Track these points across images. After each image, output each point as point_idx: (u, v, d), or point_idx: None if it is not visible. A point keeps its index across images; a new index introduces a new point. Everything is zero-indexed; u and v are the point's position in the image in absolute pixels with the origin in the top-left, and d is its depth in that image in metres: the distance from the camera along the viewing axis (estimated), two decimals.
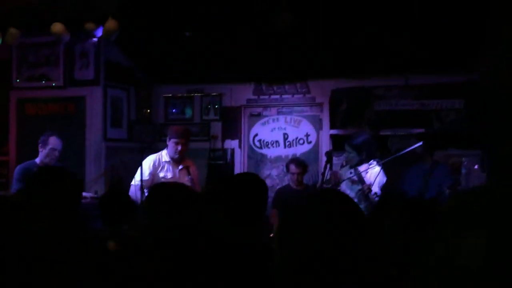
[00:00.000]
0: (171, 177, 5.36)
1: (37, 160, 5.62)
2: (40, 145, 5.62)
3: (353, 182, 5.22)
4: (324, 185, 5.17)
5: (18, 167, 5.75)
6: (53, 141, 5.61)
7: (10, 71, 7.03)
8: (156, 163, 5.45)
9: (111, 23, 5.17)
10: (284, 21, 4.81)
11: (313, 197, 1.69)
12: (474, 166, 5.50)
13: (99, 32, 5.36)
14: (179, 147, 5.37)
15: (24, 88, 7.03)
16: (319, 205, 1.59)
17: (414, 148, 5.44)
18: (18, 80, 7.03)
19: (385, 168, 5.33)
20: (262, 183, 2.76)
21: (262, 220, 2.71)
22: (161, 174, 5.42)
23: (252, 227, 2.55)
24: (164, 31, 5.69)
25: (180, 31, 5.55)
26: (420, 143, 5.45)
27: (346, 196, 1.72)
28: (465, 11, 5.29)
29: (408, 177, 5.72)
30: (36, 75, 6.97)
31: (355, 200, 5.09)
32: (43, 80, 6.97)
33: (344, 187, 5.23)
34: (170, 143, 5.41)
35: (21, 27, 5.77)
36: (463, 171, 5.56)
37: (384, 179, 5.27)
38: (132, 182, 5.45)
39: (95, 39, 6.40)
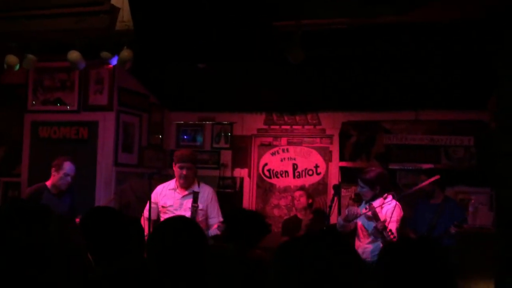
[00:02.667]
0: (170, 205, 5.24)
1: (48, 183, 5.67)
2: (53, 168, 5.65)
3: (368, 218, 5.15)
4: (343, 221, 5.13)
5: (28, 190, 5.82)
6: (68, 167, 5.64)
7: (26, 94, 7.16)
8: (159, 191, 5.36)
9: (126, 53, 5.27)
10: (297, 56, 4.88)
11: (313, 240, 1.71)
12: (481, 204, 5.49)
13: (114, 61, 5.46)
14: (184, 172, 5.21)
15: (39, 111, 7.14)
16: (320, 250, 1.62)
17: (426, 183, 5.43)
18: (33, 103, 7.14)
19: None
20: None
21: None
22: (161, 203, 5.30)
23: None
24: (178, 61, 5.78)
25: (194, 62, 5.63)
26: (437, 177, 5.41)
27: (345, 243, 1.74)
28: (478, 51, 5.34)
29: (419, 212, 5.71)
30: (51, 99, 7.09)
31: (371, 236, 5.09)
32: (58, 104, 7.08)
33: (361, 222, 5.18)
34: (175, 168, 5.28)
35: (38, 53, 5.88)
36: (470, 209, 5.55)
37: (401, 214, 5.16)
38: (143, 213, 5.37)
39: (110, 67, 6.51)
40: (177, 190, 5.29)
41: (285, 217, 7.06)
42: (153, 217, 5.23)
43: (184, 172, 5.21)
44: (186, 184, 5.26)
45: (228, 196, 7.38)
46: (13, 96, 7.25)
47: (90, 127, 6.98)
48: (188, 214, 5.07)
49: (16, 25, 5.33)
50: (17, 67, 5.74)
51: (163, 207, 5.28)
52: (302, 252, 1.61)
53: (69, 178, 5.66)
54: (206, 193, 5.33)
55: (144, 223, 5.12)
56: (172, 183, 5.37)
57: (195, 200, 5.14)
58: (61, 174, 5.62)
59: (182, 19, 4.78)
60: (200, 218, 5.14)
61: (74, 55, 5.41)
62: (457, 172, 6.49)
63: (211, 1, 4.57)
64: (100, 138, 6.95)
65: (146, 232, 4.35)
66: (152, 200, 5.27)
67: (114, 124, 6.95)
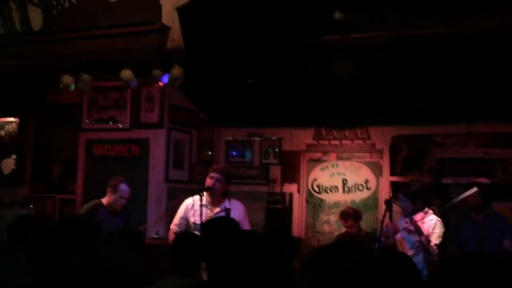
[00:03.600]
0: (200, 223, 4.85)
1: (104, 200, 5.78)
2: (109, 189, 5.76)
3: (409, 232, 5.08)
4: (382, 238, 5.07)
5: (84, 207, 5.94)
6: (123, 189, 5.74)
7: (80, 113, 7.37)
8: (189, 207, 5.19)
9: (176, 70, 5.37)
10: (345, 70, 4.87)
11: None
12: None
13: (165, 79, 5.57)
14: (211, 181, 5.04)
15: (93, 130, 7.33)
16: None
17: (471, 197, 5.29)
18: (87, 121, 7.34)
19: (441, 217, 5.19)
20: None
21: None
22: (192, 219, 5.13)
23: None
24: (227, 77, 5.87)
25: (243, 77, 5.69)
26: (475, 189, 5.28)
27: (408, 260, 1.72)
28: None
29: (464, 227, 5.52)
30: (105, 117, 7.28)
31: (412, 250, 5.01)
32: (111, 122, 7.26)
33: (401, 237, 5.12)
34: (207, 178, 5.13)
35: (92, 73, 6.05)
36: None
37: (443, 230, 5.12)
38: (171, 226, 5.31)
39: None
40: (209, 207, 5.11)
41: (336, 233, 7.00)
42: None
43: (211, 181, 5.05)
44: (211, 195, 5.09)
45: (278, 212, 7.37)
46: (68, 115, 7.48)
47: (141, 144, 7.12)
48: None
49: (70, 46, 5.52)
50: (73, 87, 5.92)
51: (194, 223, 5.08)
52: (328, 260, 1.62)
53: (123, 200, 5.78)
54: (238, 210, 5.14)
55: (170, 238, 5.14)
56: (199, 199, 5.05)
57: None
58: (116, 196, 5.73)
59: (231, 35, 4.86)
60: None
61: (126, 73, 5.55)
62: None
63: (260, 17, 4.62)
64: (151, 155, 7.08)
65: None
66: (182, 215, 5.20)
67: (165, 141, 7.06)
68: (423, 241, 4.87)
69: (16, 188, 7.64)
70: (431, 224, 5.02)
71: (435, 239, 4.97)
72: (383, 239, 5.06)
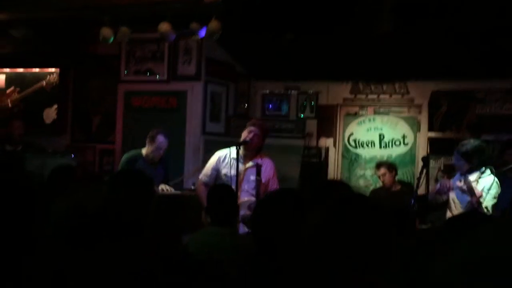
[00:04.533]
0: (234, 175, 4.98)
1: (144, 151, 5.92)
2: (148, 140, 5.87)
3: (463, 191, 5.00)
4: (434, 194, 5.04)
5: (124, 156, 6.10)
6: (160, 141, 5.82)
7: (119, 65, 7.44)
8: (221, 159, 5.23)
9: (214, 24, 5.35)
10: (386, 24, 4.76)
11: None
12: None
13: (203, 32, 5.55)
14: (249, 135, 5.08)
15: (131, 82, 7.41)
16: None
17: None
18: (126, 72, 7.42)
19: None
20: None
21: None
22: (224, 171, 5.18)
23: None
24: (265, 31, 5.81)
25: (281, 32, 5.62)
26: None
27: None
28: None
29: (502, 188, 5.41)
30: (142, 69, 7.33)
31: (464, 210, 4.94)
32: (148, 74, 7.32)
33: (454, 195, 5.06)
34: (244, 131, 5.18)
35: (130, 25, 6.07)
36: None
37: (499, 190, 4.93)
38: (200, 176, 5.38)
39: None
40: (241, 160, 5.09)
41: (371, 187, 7.00)
42: (211, 183, 5.20)
43: (247, 134, 5.09)
44: (247, 149, 5.12)
45: (313, 166, 7.40)
46: (107, 66, 7.56)
47: (179, 96, 7.18)
48: (251, 186, 5.07)
49: None
50: (111, 39, 5.97)
51: (225, 175, 5.16)
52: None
53: (161, 151, 5.88)
54: (269, 167, 5.20)
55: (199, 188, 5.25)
56: (232, 152, 5.14)
57: (258, 173, 4.99)
58: (153, 147, 5.83)
59: None
60: (261, 191, 5.09)
61: (164, 26, 5.56)
62: None
63: None
64: (188, 107, 7.14)
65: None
66: (214, 166, 5.25)
67: (202, 93, 7.10)
68: (473, 203, 4.79)
69: (57, 137, 7.84)
70: (486, 184, 4.90)
71: (490, 200, 4.85)
72: (436, 195, 5.02)
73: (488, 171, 4.90)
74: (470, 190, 4.79)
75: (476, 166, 4.93)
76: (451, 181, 5.15)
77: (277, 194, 2.76)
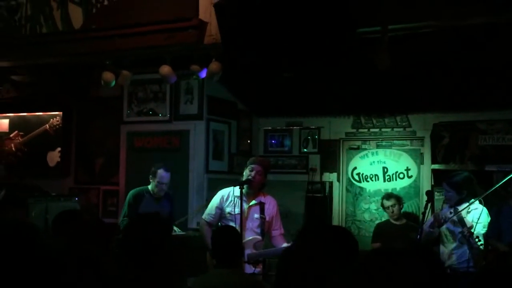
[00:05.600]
0: (238, 213, 5.05)
1: (150, 187, 6.09)
2: (150, 175, 6.07)
3: (454, 223, 5.03)
4: (428, 229, 5.04)
5: (130, 192, 6.21)
6: (160, 175, 6.00)
7: (121, 106, 7.49)
8: (225, 198, 5.25)
9: (214, 65, 5.40)
10: (383, 62, 4.80)
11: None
12: None
13: (203, 74, 5.61)
14: (251, 173, 5.12)
15: (133, 122, 7.46)
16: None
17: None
18: (129, 112, 7.47)
19: (488, 207, 5.10)
20: None
21: None
22: (228, 209, 5.20)
23: None
24: (264, 70, 5.86)
25: (280, 70, 5.68)
26: None
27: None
28: None
29: (503, 218, 5.36)
30: (145, 110, 7.39)
31: (456, 242, 4.97)
32: (150, 113, 7.36)
33: (444, 228, 5.08)
34: (246, 170, 5.22)
35: (131, 67, 6.14)
36: None
37: (488, 219, 5.05)
38: (203, 216, 5.40)
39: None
40: (244, 199, 5.13)
41: (377, 221, 6.96)
42: (215, 222, 5.26)
43: (250, 173, 5.14)
44: (250, 187, 5.16)
45: (318, 201, 7.37)
46: (109, 108, 7.62)
47: (181, 136, 7.21)
48: (256, 224, 5.14)
49: (110, 44, 5.61)
50: (113, 83, 6.03)
51: (229, 213, 5.18)
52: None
53: (163, 186, 6.01)
54: (272, 205, 5.31)
55: (203, 228, 5.28)
56: (235, 190, 5.17)
57: (262, 211, 5.13)
58: (156, 181, 6.03)
59: (267, 29, 4.84)
60: (265, 229, 5.20)
61: (165, 69, 5.62)
62: None
63: (295, 11, 4.59)
64: (191, 146, 7.16)
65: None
66: (217, 205, 5.27)
67: (205, 132, 7.13)
68: (464, 232, 4.83)
69: (61, 180, 7.87)
70: (476, 214, 4.95)
71: (480, 229, 4.92)
72: (430, 230, 5.03)
73: (476, 202, 4.93)
74: (461, 221, 4.83)
75: (465, 196, 4.96)
76: (440, 213, 5.19)
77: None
